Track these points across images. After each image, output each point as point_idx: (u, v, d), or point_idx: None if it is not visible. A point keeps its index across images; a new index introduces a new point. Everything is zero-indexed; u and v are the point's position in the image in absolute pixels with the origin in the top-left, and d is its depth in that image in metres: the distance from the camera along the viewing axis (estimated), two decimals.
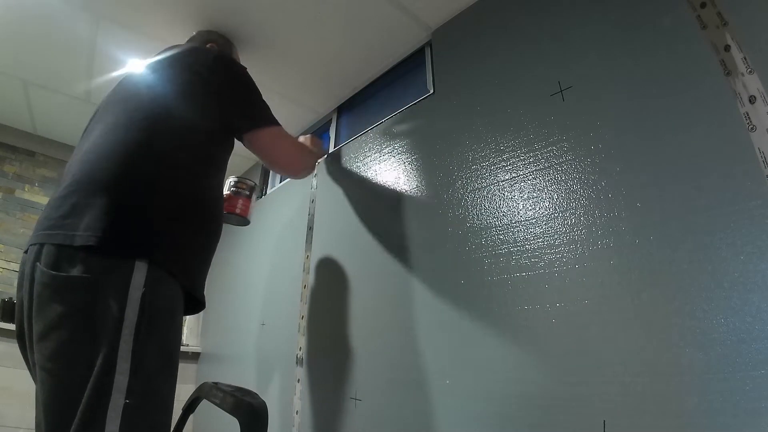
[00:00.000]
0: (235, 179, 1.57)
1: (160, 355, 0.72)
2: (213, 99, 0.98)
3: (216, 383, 1.03)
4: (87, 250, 0.67)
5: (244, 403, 0.86)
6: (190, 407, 1.15)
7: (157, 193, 0.78)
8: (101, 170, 0.77)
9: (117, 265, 0.68)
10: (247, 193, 1.58)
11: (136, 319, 0.67)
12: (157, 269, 0.72)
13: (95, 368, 0.64)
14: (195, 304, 0.90)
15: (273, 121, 1.18)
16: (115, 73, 1.91)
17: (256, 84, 1.17)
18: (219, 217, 0.99)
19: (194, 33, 1.52)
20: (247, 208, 1.56)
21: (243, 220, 1.59)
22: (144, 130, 0.84)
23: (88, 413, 0.62)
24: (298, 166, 1.41)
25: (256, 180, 2.60)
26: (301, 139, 1.67)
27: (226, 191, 1.53)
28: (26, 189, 2.40)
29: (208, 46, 1.33)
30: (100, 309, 0.66)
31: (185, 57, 1.05)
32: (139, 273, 0.69)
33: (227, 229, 2.91)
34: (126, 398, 0.64)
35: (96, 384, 0.63)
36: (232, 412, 0.88)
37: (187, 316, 2.84)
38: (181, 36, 1.67)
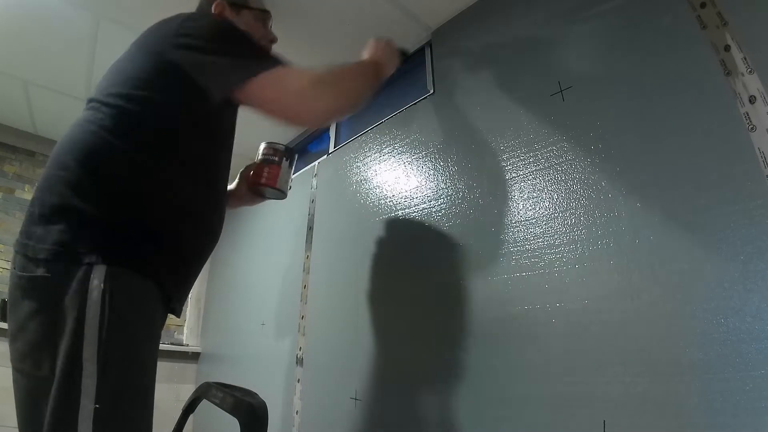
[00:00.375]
0: (264, 144, 1.32)
1: (131, 353, 0.67)
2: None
3: (216, 383, 1.03)
4: (47, 259, 0.65)
5: (244, 403, 0.86)
6: (190, 407, 1.15)
7: (117, 194, 0.71)
8: (58, 172, 0.72)
9: (76, 268, 0.64)
10: (275, 159, 1.28)
11: (99, 319, 0.62)
12: (118, 268, 0.67)
13: (58, 371, 0.60)
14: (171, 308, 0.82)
15: (260, 67, 0.83)
16: None
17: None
18: (197, 214, 0.83)
19: None
20: (274, 177, 1.26)
21: (276, 192, 1.30)
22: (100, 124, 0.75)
23: (56, 421, 0.58)
24: (329, 107, 0.90)
25: None
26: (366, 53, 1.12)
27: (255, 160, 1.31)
28: (26, 189, 2.40)
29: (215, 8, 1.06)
30: (62, 309, 0.62)
31: (146, 37, 0.87)
32: (99, 273, 0.64)
33: (227, 229, 2.89)
34: (96, 403, 0.59)
35: (62, 388, 0.59)
36: (232, 412, 0.88)
37: (188, 316, 2.85)
38: None
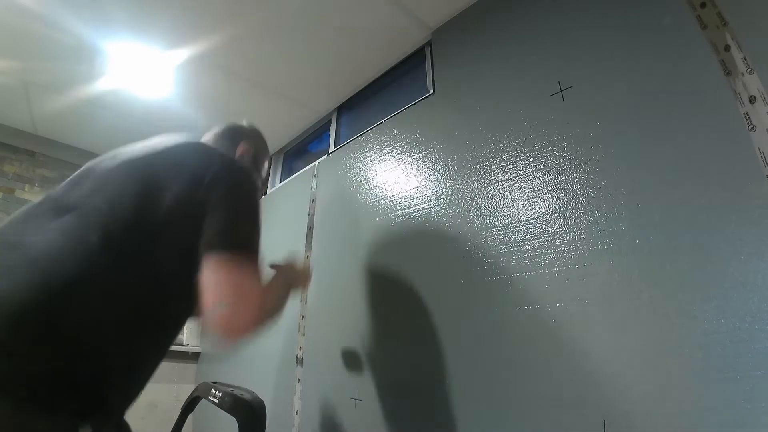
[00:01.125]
0: None
1: None
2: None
3: (214, 382, 1.02)
4: None
5: (242, 401, 0.86)
6: (189, 407, 1.14)
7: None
8: None
9: None
10: None
11: None
12: None
13: None
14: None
15: (234, 246, 0.73)
16: (115, 75, 1.91)
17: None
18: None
19: (223, 127, 1.14)
20: None
21: None
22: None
23: None
24: (236, 320, 0.74)
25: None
26: (282, 269, 1.10)
27: None
28: (26, 189, 2.40)
29: (239, 149, 1.04)
30: None
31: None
32: None
33: None
34: None
35: None
36: (230, 411, 0.89)
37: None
38: (182, 38, 1.67)
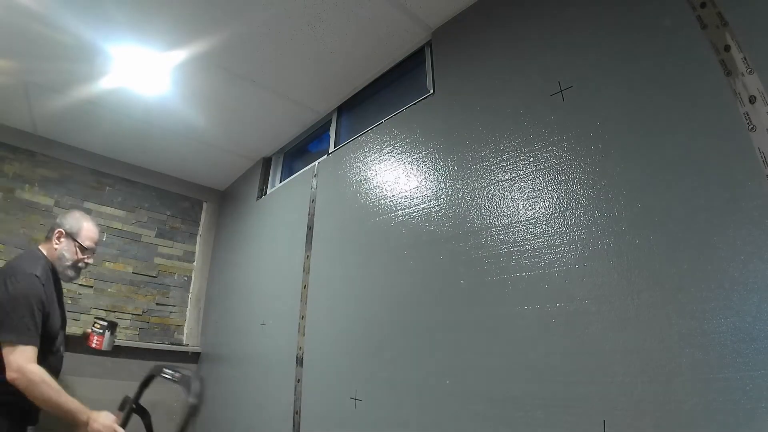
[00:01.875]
0: (94, 321, 2.13)
1: None
2: None
3: (164, 364, 1.40)
4: None
5: (186, 376, 1.21)
6: (145, 383, 1.44)
7: None
8: None
9: None
10: (101, 330, 2.09)
11: None
12: None
13: None
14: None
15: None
16: (115, 74, 1.91)
17: None
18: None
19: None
20: (100, 343, 2.07)
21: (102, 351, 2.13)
22: None
23: None
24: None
25: (257, 179, 2.61)
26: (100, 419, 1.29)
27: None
28: (26, 189, 2.40)
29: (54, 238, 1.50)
30: None
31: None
32: None
33: (226, 229, 2.89)
34: None
35: None
36: (179, 382, 1.22)
37: (188, 316, 2.85)
38: (182, 38, 1.67)
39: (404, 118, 1.60)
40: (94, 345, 2.04)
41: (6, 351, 1.20)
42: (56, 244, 1.48)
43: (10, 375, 1.18)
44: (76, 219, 1.55)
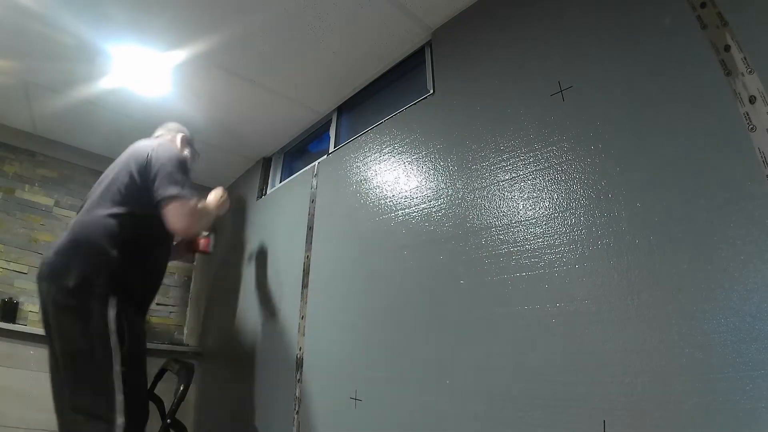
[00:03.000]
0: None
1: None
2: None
3: (174, 359, 1.69)
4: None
5: (180, 363, 1.58)
6: (160, 375, 1.76)
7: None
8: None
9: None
10: (206, 233, 2.06)
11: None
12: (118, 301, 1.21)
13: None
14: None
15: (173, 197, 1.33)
16: (115, 75, 1.91)
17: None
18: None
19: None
20: (206, 245, 2.06)
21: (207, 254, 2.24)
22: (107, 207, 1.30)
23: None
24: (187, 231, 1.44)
25: (257, 179, 2.61)
26: (211, 196, 1.72)
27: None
28: (26, 189, 2.40)
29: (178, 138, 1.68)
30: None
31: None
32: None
33: (226, 230, 2.90)
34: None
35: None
36: (175, 372, 1.57)
37: (188, 316, 2.85)
38: (182, 38, 1.67)
39: (404, 118, 1.60)
40: (202, 248, 2.02)
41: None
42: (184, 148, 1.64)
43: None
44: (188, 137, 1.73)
